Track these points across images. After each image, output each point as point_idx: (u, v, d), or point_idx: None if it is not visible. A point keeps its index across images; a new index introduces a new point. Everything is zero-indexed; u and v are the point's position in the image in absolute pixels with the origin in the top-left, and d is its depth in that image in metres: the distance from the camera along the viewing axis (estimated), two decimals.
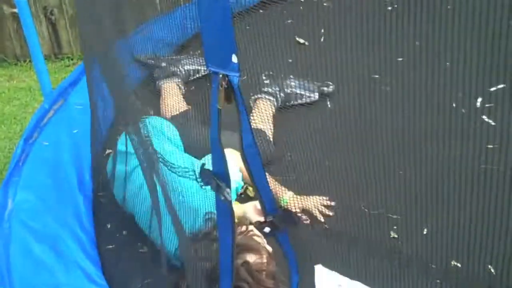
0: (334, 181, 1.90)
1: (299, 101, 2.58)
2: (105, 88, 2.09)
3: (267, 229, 1.28)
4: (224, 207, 1.19)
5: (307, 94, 2.56)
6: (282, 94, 2.55)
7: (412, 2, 1.62)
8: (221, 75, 1.07)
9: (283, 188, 2.03)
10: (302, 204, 2.03)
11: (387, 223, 1.92)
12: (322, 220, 1.99)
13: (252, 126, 2.30)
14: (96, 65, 2.07)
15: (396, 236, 1.91)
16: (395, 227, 1.92)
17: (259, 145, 2.15)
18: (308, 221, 1.94)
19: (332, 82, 2.52)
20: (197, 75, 2.84)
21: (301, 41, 2.60)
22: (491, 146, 1.66)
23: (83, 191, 2.23)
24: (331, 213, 2.02)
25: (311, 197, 2.04)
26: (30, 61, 4.07)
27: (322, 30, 2.19)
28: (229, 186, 1.17)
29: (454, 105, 1.86)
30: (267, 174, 1.93)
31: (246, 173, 1.90)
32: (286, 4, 2.53)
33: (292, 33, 2.57)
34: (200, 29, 1.08)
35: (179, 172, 1.73)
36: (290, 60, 2.58)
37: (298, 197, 2.01)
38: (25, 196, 2.23)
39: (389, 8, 1.72)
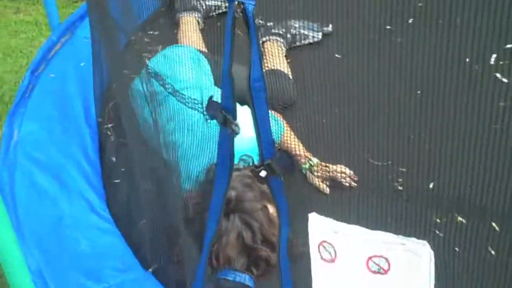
0: (342, 129, 1.89)
1: (304, 42, 2.59)
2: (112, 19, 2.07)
3: (263, 173, 1.21)
4: (227, 143, 1.18)
5: (312, 34, 2.58)
6: (288, 35, 2.55)
7: None
8: (236, 2, 1.06)
9: (308, 154, 1.99)
10: (325, 172, 1.98)
11: (392, 175, 1.92)
12: (348, 186, 1.94)
13: (270, 68, 2.32)
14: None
15: (401, 188, 1.91)
16: (400, 180, 1.93)
17: (282, 85, 2.15)
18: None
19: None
20: (218, 11, 2.80)
21: None
22: (503, 104, 1.65)
23: (89, 123, 2.23)
24: (355, 184, 1.96)
25: (335, 166, 1.98)
26: None
27: None
28: (235, 118, 1.16)
29: (467, 60, 1.85)
30: (293, 136, 1.93)
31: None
32: None
33: None
34: None
35: (188, 103, 1.70)
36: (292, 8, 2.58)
37: (323, 164, 1.96)
38: (30, 127, 2.23)
39: None
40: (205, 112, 1.22)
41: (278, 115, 2.01)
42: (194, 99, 1.64)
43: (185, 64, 2.05)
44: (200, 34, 2.61)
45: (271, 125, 1.27)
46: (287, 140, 1.99)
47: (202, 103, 1.60)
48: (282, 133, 1.98)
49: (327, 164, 1.95)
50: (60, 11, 3.06)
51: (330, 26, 2.59)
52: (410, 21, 1.93)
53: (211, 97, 1.19)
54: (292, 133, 2.00)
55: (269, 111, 1.82)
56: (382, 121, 1.82)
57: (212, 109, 1.18)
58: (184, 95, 1.72)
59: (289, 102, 2.18)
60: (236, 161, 1.62)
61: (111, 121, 2.18)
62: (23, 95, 2.41)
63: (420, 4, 2.07)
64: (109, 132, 2.19)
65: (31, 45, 3.61)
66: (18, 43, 3.65)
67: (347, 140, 1.87)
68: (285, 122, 2.03)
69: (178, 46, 2.32)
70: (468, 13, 1.69)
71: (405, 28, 2.08)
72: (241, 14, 1.05)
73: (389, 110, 1.83)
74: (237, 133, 1.16)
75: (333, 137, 1.87)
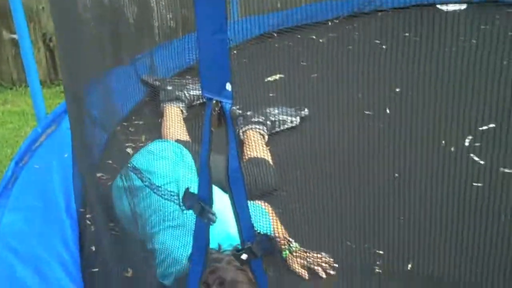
0: (321, 213, 1.90)
1: (283, 127, 2.65)
2: (95, 113, 2.12)
3: (244, 256, 1.28)
4: (202, 232, 1.23)
5: (290, 119, 2.65)
6: (268, 122, 2.62)
7: (401, 43, 1.67)
8: (214, 101, 1.13)
9: (288, 238, 1.98)
10: (304, 258, 1.96)
11: (371, 257, 1.92)
12: (324, 276, 1.94)
13: (251, 156, 2.37)
14: (85, 92, 2.10)
15: (380, 271, 1.91)
16: (378, 263, 1.93)
17: (263, 173, 2.19)
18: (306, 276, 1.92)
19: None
20: (201, 100, 2.86)
21: (271, 78, 2.68)
22: (478, 185, 1.68)
23: (71, 214, 2.22)
24: (332, 272, 1.94)
25: (314, 253, 1.96)
26: (25, 86, 4.10)
27: (304, 63, 2.24)
28: (212, 207, 1.20)
29: (443, 142, 1.89)
30: (275, 218, 1.95)
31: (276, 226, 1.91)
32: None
33: (272, 67, 2.63)
34: (198, 57, 1.15)
35: (165, 196, 1.74)
36: (272, 94, 2.66)
37: (302, 250, 1.95)
38: (12, 218, 2.21)
39: (383, 47, 1.77)
40: (181, 203, 1.27)
41: (264, 204, 2.02)
42: (171, 191, 1.68)
43: (167, 159, 2.10)
44: (183, 124, 2.67)
45: (260, 219, 1.32)
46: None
47: (178, 195, 1.64)
48: (270, 226, 1.99)
49: (307, 251, 1.95)
50: (47, 101, 3.12)
51: (306, 109, 2.67)
52: (388, 111, 2.00)
53: (187, 189, 1.23)
54: (274, 216, 2.01)
55: (256, 202, 1.85)
56: (361, 204, 1.84)
57: (188, 200, 1.22)
58: (160, 187, 1.76)
59: (271, 189, 2.21)
60: (225, 246, 1.64)
61: (91, 211, 2.18)
62: (6, 186, 2.41)
63: (398, 90, 2.14)
64: (89, 222, 2.18)
65: (17, 135, 3.65)
66: (3, 133, 3.68)
67: (326, 223, 1.88)
68: (268, 206, 2.05)
69: (161, 141, 2.37)
70: (445, 99, 1.76)
71: (383, 114, 2.15)
72: (218, 112, 1.12)
73: (367, 193, 1.85)
74: (213, 222, 1.20)
75: (312, 220, 1.89)
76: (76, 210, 2.22)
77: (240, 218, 1.23)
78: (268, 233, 1.88)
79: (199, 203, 1.21)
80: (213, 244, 1.61)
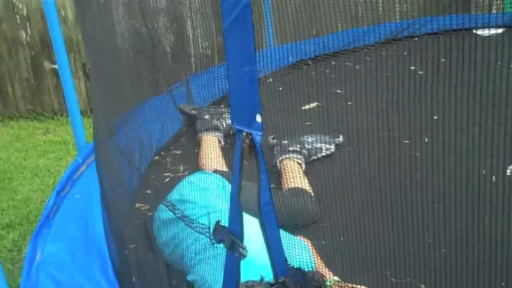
0: (362, 244, 1.88)
1: (319, 155, 2.64)
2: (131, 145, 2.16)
3: None
4: (234, 267, 1.22)
5: (325, 147, 2.64)
6: (304, 151, 2.60)
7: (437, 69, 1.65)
8: (245, 133, 1.13)
9: (328, 271, 1.92)
10: None
11: None
12: None
13: (290, 186, 2.35)
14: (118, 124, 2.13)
15: None
16: None
17: (303, 203, 2.17)
18: None
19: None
20: None
21: (308, 107, 2.68)
22: None
23: None
24: None
25: (356, 286, 1.89)
26: (66, 115, 4.19)
27: (340, 91, 2.24)
28: (242, 241, 1.20)
29: (484, 172, 1.86)
30: (316, 254, 1.93)
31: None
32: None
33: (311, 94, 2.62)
34: (228, 89, 1.15)
35: (197, 228, 1.75)
36: (308, 123, 2.66)
37: (343, 283, 1.89)
38: (53, 249, 2.25)
39: (420, 73, 1.76)
40: (212, 236, 1.27)
41: (306, 240, 1.99)
42: (202, 224, 1.69)
43: (209, 191, 2.10)
44: (220, 153, 2.67)
45: (301, 253, 1.32)
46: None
47: (209, 228, 1.65)
48: (313, 261, 1.96)
49: (348, 284, 1.92)
50: (87, 131, 3.18)
51: (341, 136, 2.65)
52: (426, 139, 1.97)
53: (218, 222, 1.23)
54: (313, 250, 1.99)
55: (297, 236, 1.84)
56: (402, 236, 1.81)
57: (219, 233, 1.22)
58: (193, 219, 1.78)
59: (312, 220, 2.18)
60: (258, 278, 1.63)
61: (132, 242, 2.19)
62: (48, 216, 2.45)
63: (435, 117, 2.11)
64: (127, 252, 2.20)
65: (59, 164, 3.73)
66: (46, 163, 3.76)
67: (367, 255, 1.85)
68: (308, 240, 2.02)
69: (201, 172, 2.37)
70: (485, 126, 1.73)
71: (422, 143, 2.12)
72: (249, 144, 1.11)
73: (408, 225, 1.83)
74: (244, 256, 1.19)
75: (352, 254, 1.86)
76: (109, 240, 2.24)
77: (272, 251, 1.23)
78: (310, 268, 1.86)
79: (230, 237, 1.20)
80: (256, 274, 1.60)
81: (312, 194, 2.31)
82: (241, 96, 1.15)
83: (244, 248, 1.20)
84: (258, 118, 1.15)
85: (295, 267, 1.38)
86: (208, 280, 1.70)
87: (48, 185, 3.49)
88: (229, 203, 2.11)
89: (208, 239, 1.69)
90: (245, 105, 1.15)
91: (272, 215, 1.20)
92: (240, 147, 1.14)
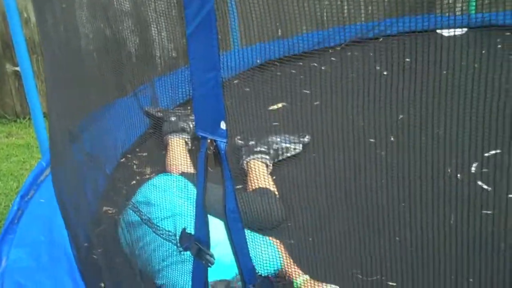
0: (330, 244, 1.89)
1: (286, 155, 2.65)
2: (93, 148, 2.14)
3: None
4: (201, 275, 1.22)
5: (292, 147, 2.65)
6: (271, 151, 2.61)
7: (402, 69, 1.68)
8: (209, 140, 1.13)
9: (298, 270, 1.95)
10: None
11: None
12: None
13: (256, 187, 2.35)
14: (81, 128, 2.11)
15: None
16: None
17: (269, 204, 2.18)
18: None
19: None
20: None
21: (275, 107, 2.69)
22: (488, 212, 1.67)
23: None
24: None
25: (326, 284, 1.91)
26: (29, 118, 4.13)
27: (307, 91, 2.26)
28: (209, 249, 1.19)
29: (449, 170, 1.89)
30: (283, 251, 1.93)
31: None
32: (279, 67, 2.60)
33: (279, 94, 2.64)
34: (192, 96, 1.14)
35: (163, 235, 1.74)
36: (275, 123, 2.67)
37: (313, 282, 1.90)
38: (19, 254, 2.22)
39: (384, 73, 1.78)
40: (178, 244, 1.26)
41: (273, 239, 1.99)
42: (168, 231, 1.68)
43: (170, 194, 2.09)
44: (187, 155, 2.66)
45: (269, 253, 1.31)
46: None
47: (175, 234, 1.65)
48: (281, 261, 1.96)
49: (317, 282, 1.93)
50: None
51: (308, 136, 2.67)
52: (392, 138, 1.99)
53: (184, 229, 1.23)
54: (282, 249, 2.00)
55: (267, 237, 1.84)
56: (368, 234, 1.83)
57: (185, 241, 1.21)
58: (159, 226, 1.77)
59: (277, 222, 2.18)
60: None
61: (100, 247, 2.17)
62: (12, 221, 2.42)
63: (401, 117, 2.14)
64: (95, 257, 2.18)
65: (22, 168, 3.67)
66: (9, 167, 3.70)
67: (335, 254, 1.87)
68: (277, 240, 2.03)
69: (165, 175, 2.36)
70: (449, 125, 1.75)
71: (388, 142, 2.15)
72: (214, 151, 1.11)
73: (374, 223, 1.85)
74: (212, 264, 1.19)
75: (321, 251, 1.87)
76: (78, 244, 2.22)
77: (240, 260, 1.23)
78: (278, 267, 1.87)
79: (196, 244, 1.20)
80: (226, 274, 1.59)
81: (277, 194, 2.32)
82: (205, 102, 1.14)
83: (212, 256, 1.20)
84: (223, 125, 1.14)
85: (263, 275, 1.38)
86: (176, 285, 1.69)
87: (11, 189, 3.43)
88: (194, 207, 2.11)
89: (174, 246, 1.69)
90: (209, 111, 1.14)
91: (238, 223, 1.20)
92: (204, 154, 1.14)
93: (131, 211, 1.82)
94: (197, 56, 1.12)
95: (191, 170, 2.47)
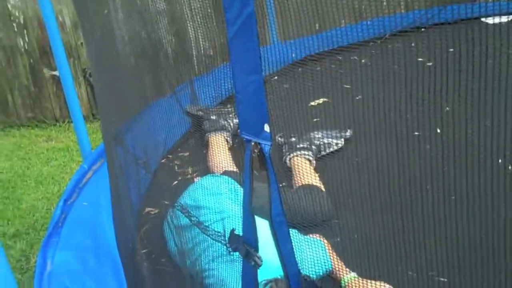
0: (379, 240, 1.89)
1: (329, 150, 2.66)
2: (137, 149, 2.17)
3: None
4: (251, 275, 1.23)
5: (334, 142, 2.65)
6: (314, 147, 2.62)
7: (446, 59, 1.66)
8: (253, 143, 1.14)
9: (345, 268, 1.95)
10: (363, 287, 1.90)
11: (436, 285, 1.89)
12: None
13: (302, 184, 2.36)
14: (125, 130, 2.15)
15: None
16: None
17: (317, 201, 2.18)
18: None
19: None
20: None
21: (315, 103, 2.69)
22: None
23: None
24: None
25: (375, 282, 1.90)
26: (68, 122, 4.21)
27: (347, 86, 2.27)
28: (257, 251, 1.21)
29: (500, 161, 1.87)
30: (332, 251, 1.93)
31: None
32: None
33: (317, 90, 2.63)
34: (235, 99, 1.15)
35: (212, 236, 1.76)
36: (316, 119, 2.67)
37: (361, 279, 1.91)
38: (64, 258, 2.28)
39: (429, 64, 1.77)
40: (227, 245, 1.28)
41: (321, 238, 1.98)
42: (218, 232, 1.71)
43: (221, 196, 2.11)
44: (229, 153, 2.69)
45: (318, 254, 1.30)
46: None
47: (224, 235, 1.67)
48: (331, 262, 1.95)
49: (366, 280, 1.92)
50: (90, 136, 3.20)
51: (350, 131, 2.68)
52: (438, 130, 1.98)
53: (233, 230, 1.25)
54: (330, 249, 2.00)
55: (312, 235, 1.84)
56: (418, 230, 1.82)
57: (234, 242, 1.23)
58: (208, 227, 1.79)
59: (326, 217, 2.17)
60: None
61: (144, 247, 2.21)
62: (56, 225, 2.47)
63: (447, 109, 2.12)
64: (141, 258, 2.22)
65: (63, 172, 3.74)
66: (49, 171, 3.78)
67: (384, 251, 1.86)
68: (324, 238, 2.03)
69: (212, 176, 2.38)
70: (497, 115, 1.73)
71: (433, 136, 2.13)
72: (258, 154, 1.12)
73: (424, 218, 1.83)
74: (260, 265, 1.20)
75: (370, 248, 1.87)
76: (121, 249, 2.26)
77: (286, 264, 1.23)
78: (329, 268, 1.87)
79: (244, 246, 1.22)
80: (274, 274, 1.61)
81: (324, 190, 2.33)
82: (248, 105, 1.15)
83: (259, 258, 1.21)
84: (267, 128, 1.15)
85: (308, 279, 1.39)
86: (227, 284, 1.71)
87: (53, 193, 3.50)
88: (241, 209, 2.13)
89: (224, 246, 1.71)
90: (252, 114, 1.15)
91: (284, 227, 1.21)
92: (250, 157, 1.15)
93: (178, 212, 1.84)
94: (239, 60, 1.13)
95: (233, 168, 2.50)
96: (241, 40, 1.11)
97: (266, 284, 1.60)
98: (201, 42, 3.18)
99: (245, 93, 1.15)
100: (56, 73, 3.84)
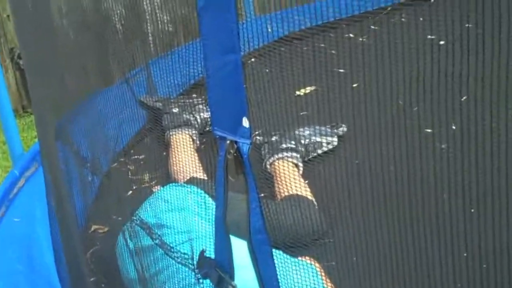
0: (379, 261, 1.89)
1: (319, 151, 2.65)
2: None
3: None
4: None
5: (325, 140, 2.65)
6: (301, 148, 2.61)
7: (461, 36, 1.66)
8: (228, 142, 1.11)
9: None
10: None
11: None
12: None
13: (286, 194, 2.35)
14: (65, 125, 2.12)
15: None
16: None
17: (305, 216, 2.17)
18: None
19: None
20: None
21: (302, 92, 2.69)
22: None
23: (63, 275, 2.24)
24: None
25: None
26: None
27: (341, 70, 2.27)
28: (233, 277, 1.20)
29: None
30: (325, 278, 1.93)
31: None
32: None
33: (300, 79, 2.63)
34: (206, 86, 1.13)
35: (178, 258, 1.74)
36: (303, 112, 2.67)
37: None
38: None
39: (441, 43, 1.77)
40: (196, 270, 1.27)
41: (313, 261, 1.99)
42: (185, 254, 1.69)
43: (187, 211, 2.09)
44: (195, 156, 2.67)
45: (310, 281, 1.31)
46: None
47: (192, 258, 1.66)
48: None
49: None
50: (20, 134, 3.16)
51: (344, 126, 2.68)
52: (453, 126, 1.99)
53: (202, 252, 1.23)
54: (322, 273, 2.00)
55: (301, 258, 1.85)
56: (435, 251, 1.83)
57: (204, 267, 1.22)
58: (173, 248, 1.77)
59: (317, 235, 2.17)
60: None
61: (92, 274, 2.19)
62: None
63: (464, 98, 2.13)
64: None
65: None
66: None
67: (385, 275, 1.87)
68: (315, 262, 2.03)
69: (175, 185, 2.35)
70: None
71: (449, 132, 2.14)
72: (234, 155, 1.10)
73: (435, 235, 1.84)
74: None
75: (369, 274, 1.88)
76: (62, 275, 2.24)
77: None
78: None
79: (217, 271, 1.21)
80: None
81: (315, 202, 2.32)
82: (222, 93, 1.12)
83: (235, 286, 1.20)
84: (245, 122, 1.12)
85: None
86: None
87: None
88: (213, 227, 2.12)
89: (192, 272, 1.70)
90: (228, 105, 1.12)
91: (265, 247, 1.19)
92: (224, 159, 1.13)
93: (137, 229, 1.82)
94: (212, 35, 1.11)
95: (201, 174, 2.48)
96: (215, 9, 1.08)
97: None
98: (158, 14, 3.15)
99: (219, 78, 1.12)
100: None
